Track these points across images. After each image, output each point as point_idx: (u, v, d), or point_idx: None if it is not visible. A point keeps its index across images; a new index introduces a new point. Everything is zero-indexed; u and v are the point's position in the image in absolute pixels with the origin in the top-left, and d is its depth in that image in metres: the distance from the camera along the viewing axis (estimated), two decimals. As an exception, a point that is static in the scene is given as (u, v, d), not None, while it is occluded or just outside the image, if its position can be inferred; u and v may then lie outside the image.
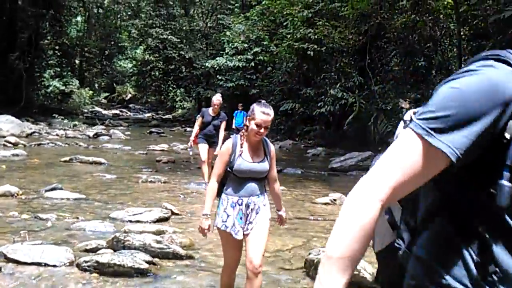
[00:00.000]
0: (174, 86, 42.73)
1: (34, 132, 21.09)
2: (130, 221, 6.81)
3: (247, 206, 3.79)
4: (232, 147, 3.82)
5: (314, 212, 8.52)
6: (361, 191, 1.21)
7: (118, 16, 53.44)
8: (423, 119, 1.17)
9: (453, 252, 1.20)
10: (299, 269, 5.19)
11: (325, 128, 23.68)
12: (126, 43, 54.86)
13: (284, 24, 24.98)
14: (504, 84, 1.13)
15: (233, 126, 20.01)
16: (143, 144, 19.96)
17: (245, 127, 3.88)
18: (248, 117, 3.84)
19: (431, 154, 1.15)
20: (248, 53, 27.83)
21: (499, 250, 1.16)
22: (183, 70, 38.18)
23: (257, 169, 3.83)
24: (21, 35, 29.62)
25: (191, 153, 11.04)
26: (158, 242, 5.41)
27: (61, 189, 8.84)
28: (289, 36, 23.53)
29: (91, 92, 42.64)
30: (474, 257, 1.17)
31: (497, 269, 1.15)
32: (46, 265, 4.79)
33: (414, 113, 1.25)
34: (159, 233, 6.02)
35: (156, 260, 5.09)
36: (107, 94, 58.47)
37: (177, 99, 44.36)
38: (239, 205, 3.78)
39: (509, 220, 1.14)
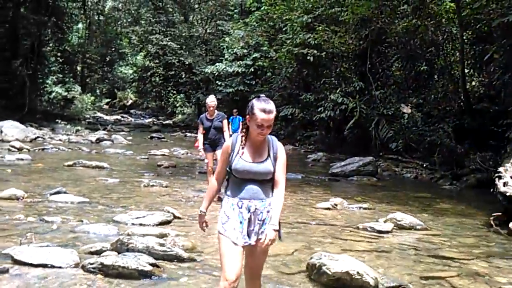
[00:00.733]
0: (174, 91, 42.92)
1: (38, 137, 21.25)
2: (133, 224, 6.91)
3: (248, 209, 3.49)
4: (232, 146, 3.58)
5: (315, 217, 8.60)
6: None
7: (119, 23, 53.66)
8: None
9: None
10: (301, 273, 5.27)
11: (325, 133, 23.74)
12: (127, 50, 55.15)
13: (284, 29, 25.04)
14: None
15: (229, 132, 20.10)
16: (145, 149, 20.07)
17: (244, 125, 3.61)
18: (247, 115, 3.53)
19: None
20: (248, 59, 27.95)
21: None
22: (183, 76, 38.33)
23: (256, 170, 3.50)
24: (24, 42, 29.90)
25: (206, 160, 10.27)
26: (161, 245, 5.50)
27: (65, 192, 8.97)
28: (288, 41, 23.57)
29: (92, 98, 42.80)
30: None
31: None
32: (52, 266, 4.89)
33: None
34: (162, 236, 6.12)
35: (159, 262, 5.17)
36: (108, 99, 58.78)
37: (177, 105, 44.56)
38: (239, 207, 3.50)
39: None
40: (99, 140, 22.85)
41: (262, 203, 3.52)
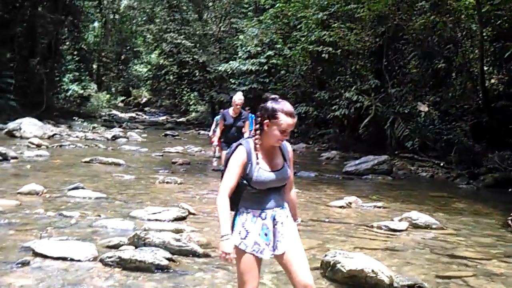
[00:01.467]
0: (188, 89, 43.04)
1: (55, 134, 21.48)
2: (149, 220, 7.01)
3: (272, 219, 3.28)
4: (247, 155, 3.23)
5: (329, 215, 8.60)
6: None
7: (134, 21, 53.82)
8: None
9: None
10: (315, 270, 5.29)
11: (339, 132, 23.64)
12: (141, 48, 55.39)
13: (298, 27, 24.85)
14: None
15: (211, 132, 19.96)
16: (159, 146, 20.21)
17: (256, 131, 3.31)
18: (266, 119, 3.23)
19: None
20: (261, 57, 27.88)
21: None
22: (197, 74, 38.41)
23: (278, 178, 3.28)
24: (41, 41, 30.24)
25: (215, 163, 10.15)
26: (177, 240, 5.59)
27: (83, 188, 9.10)
28: (303, 39, 23.38)
29: (108, 95, 43.22)
30: None
31: None
32: (71, 259, 5.00)
33: None
34: (177, 231, 6.20)
35: (175, 257, 5.27)
36: (123, 97, 59.16)
37: (190, 103, 44.74)
38: (262, 219, 3.25)
39: None
40: (114, 137, 23.05)
41: (283, 210, 3.36)
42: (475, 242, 7.12)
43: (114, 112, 43.71)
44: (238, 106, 9.58)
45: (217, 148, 9.94)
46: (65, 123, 27.41)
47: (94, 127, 27.14)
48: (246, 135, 9.52)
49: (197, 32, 37.54)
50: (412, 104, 19.44)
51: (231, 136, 9.49)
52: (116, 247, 5.50)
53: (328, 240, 6.74)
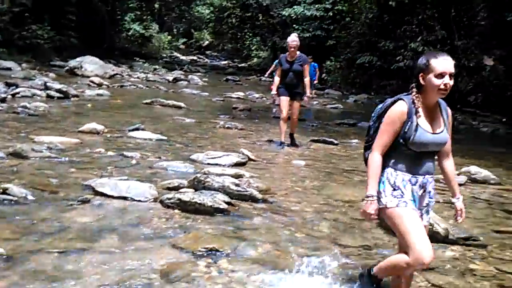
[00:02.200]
0: (250, 34, 42.65)
1: (116, 74, 21.80)
2: (209, 164, 7.01)
3: (422, 186, 3.05)
4: (408, 112, 2.94)
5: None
6: None
7: (196, -40, 53.21)
8: None
9: None
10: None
11: (402, 83, 23.01)
12: (205, -12, 54.88)
13: (367, -28, 24.14)
14: None
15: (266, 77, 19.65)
16: (220, 91, 20.25)
17: (413, 89, 3.01)
18: (420, 74, 2.95)
19: None
20: (327, 2, 27.13)
21: None
22: (260, 18, 37.91)
23: (437, 141, 3.01)
24: (103, -22, 30.27)
25: (274, 110, 10.08)
26: (236, 185, 5.56)
27: (143, 129, 9.20)
28: (370, -16, 22.73)
29: (169, 37, 43.38)
30: None
31: None
32: (131, 199, 5.05)
33: None
34: (237, 176, 6.17)
35: (234, 201, 5.25)
36: (185, 39, 59.28)
37: (252, 48, 44.31)
38: (412, 184, 3.01)
39: None
40: (175, 80, 23.23)
41: (432, 177, 3.12)
42: (533, 198, 6.88)
43: (175, 54, 44.02)
44: (293, 49, 8.91)
45: (275, 96, 9.38)
46: (126, 63, 27.76)
47: (155, 69, 27.43)
48: (306, 81, 9.21)
49: (262, -26, 36.79)
50: (478, 58, 18.69)
51: (289, 82, 9.07)
52: (176, 189, 5.51)
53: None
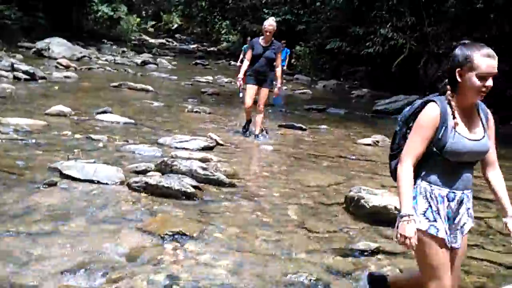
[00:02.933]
0: (220, 18, 42.38)
1: (84, 56, 21.44)
2: (177, 148, 7.01)
3: (460, 203, 2.64)
4: (441, 116, 2.52)
5: (356, 152, 8.58)
6: None
7: None
8: None
9: None
10: (339, 205, 5.31)
11: (371, 69, 23.22)
12: (174, -31, 54.08)
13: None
14: None
15: (238, 63, 19.30)
16: (189, 74, 20.12)
17: (447, 86, 2.61)
18: (457, 69, 2.54)
19: None
20: (297, -14, 27.12)
21: None
22: (230, 2, 37.59)
23: (478, 150, 2.59)
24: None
25: (241, 95, 9.14)
26: (204, 169, 5.59)
27: (111, 112, 9.11)
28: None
29: (138, 19, 42.69)
30: None
31: None
32: (98, 182, 5.02)
33: None
34: (204, 160, 6.19)
35: (201, 185, 5.27)
36: (153, 22, 58.44)
37: (222, 32, 44.02)
38: (450, 201, 2.60)
39: None
40: (144, 63, 22.98)
41: (471, 192, 2.71)
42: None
43: (144, 37, 43.45)
44: (269, 33, 8.27)
45: (241, 82, 8.70)
46: (94, 45, 27.29)
47: (123, 51, 27.08)
48: (278, 70, 8.58)
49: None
50: (447, 45, 18.93)
51: (258, 69, 8.43)
52: (143, 172, 5.51)
53: (353, 176, 6.73)
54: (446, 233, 2.59)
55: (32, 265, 3.26)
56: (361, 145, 9.30)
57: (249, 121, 8.99)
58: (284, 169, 6.74)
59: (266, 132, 9.13)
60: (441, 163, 2.57)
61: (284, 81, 20.60)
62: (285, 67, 18.78)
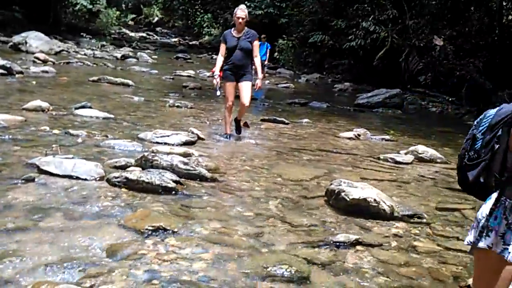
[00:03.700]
0: (202, 10, 42.09)
1: (62, 50, 21.20)
2: (158, 143, 6.97)
3: None
4: None
5: (338, 146, 8.63)
6: None
7: None
8: None
9: None
10: (320, 198, 5.32)
11: (354, 63, 23.31)
12: (154, -39, 53.57)
13: None
14: None
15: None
16: (170, 69, 20.02)
17: None
18: None
19: None
20: (279, -21, 27.04)
21: None
22: (211, -6, 37.41)
23: None
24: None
25: (218, 93, 8.22)
26: (185, 163, 5.56)
27: (90, 107, 9.01)
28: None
29: (118, 12, 42.26)
30: None
31: None
32: (77, 178, 4.97)
33: None
34: (185, 155, 6.17)
35: (182, 180, 5.24)
36: (134, 15, 57.92)
37: (204, 25, 43.75)
38: None
39: None
40: (124, 57, 22.79)
41: None
42: (478, 177, 7.11)
43: (124, 30, 43.08)
44: (241, 21, 7.58)
45: (218, 78, 7.88)
46: (73, 39, 27.01)
47: (102, 45, 26.81)
48: (257, 60, 7.87)
49: None
50: (428, 38, 19.10)
51: (236, 63, 7.73)
52: (123, 167, 5.46)
53: (334, 170, 6.77)
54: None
55: (8, 261, 3.21)
56: (343, 139, 9.35)
57: (230, 123, 8.28)
58: (265, 163, 6.74)
59: (247, 126, 8.93)
60: None
61: (267, 75, 20.70)
62: (266, 62, 18.77)
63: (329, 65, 24.91)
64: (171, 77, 17.40)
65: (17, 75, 12.63)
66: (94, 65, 18.23)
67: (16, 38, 20.34)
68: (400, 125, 12.34)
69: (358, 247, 4.08)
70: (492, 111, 2.40)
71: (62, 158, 5.36)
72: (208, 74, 19.23)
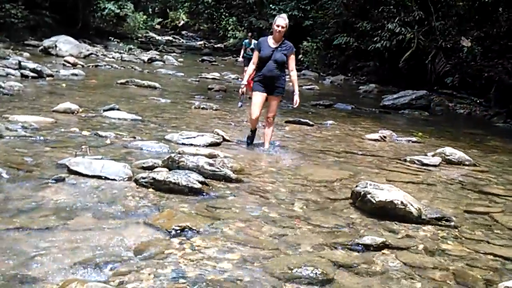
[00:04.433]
0: (227, 14, 42.34)
1: (91, 54, 21.56)
2: (184, 144, 7.04)
3: None
4: None
5: (363, 148, 8.60)
6: None
7: None
8: None
9: None
10: (345, 200, 5.31)
11: (379, 65, 23.15)
12: (180, -33, 54.02)
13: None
14: None
15: (241, 58, 19.01)
16: (195, 71, 20.17)
17: None
18: None
19: None
20: (304, -18, 27.04)
21: None
22: (236, -2, 37.59)
23: None
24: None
25: (240, 104, 7.95)
26: (211, 164, 5.60)
27: (118, 109, 9.16)
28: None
29: (145, 16, 42.74)
30: None
31: None
32: (106, 178, 5.05)
33: None
34: (211, 156, 6.21)
35: (208, 181, 5.28)
36: (160, 19, 58.54)
37: (229, 28, 43.99)
38: None
39: None
40: (151, 60, 23.04)
41: None
42: (506, 180, 7.06)
43: (150, 34, 43.54)
44: (280, 29, 6.98)
45: (246, 89, 7.46)
46: (101, 43, 27.43)
47: (130, 49, 27.13)
48: (294, 74, 7.33)
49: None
50: (455, 39, 18.87)
51: (268, 74, 7.18)
52: (150, 168, 5.53)
53: (360, 171, 6.73)
54: None
55: (39, 259, 3.28)
56: (368, 141, 9.31)
57: (254, 131, 7.78)
58: (290, 165, 6.76)
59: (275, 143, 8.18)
60: None
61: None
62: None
63: (354, 67, 24.81)
64: (197, 79, 17.54)
65: (47, 78, 12.92)
66: (122, 68, 18.48)
67: (46, 42, 20.79)
68: (427, 126, 12.22)
69: (385, 250, 4.04)
70: None
71: (91, 159, 5.45)
72: (232, 76, 19.35)
